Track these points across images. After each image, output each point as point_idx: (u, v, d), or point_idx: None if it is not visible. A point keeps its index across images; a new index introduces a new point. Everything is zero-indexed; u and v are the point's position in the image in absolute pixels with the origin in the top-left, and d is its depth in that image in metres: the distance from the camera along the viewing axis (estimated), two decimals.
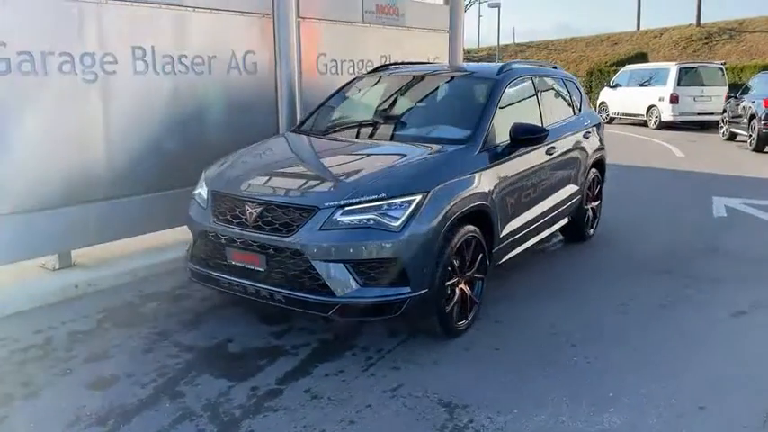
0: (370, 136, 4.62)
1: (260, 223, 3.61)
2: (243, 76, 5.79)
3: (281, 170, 4.00)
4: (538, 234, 5.11)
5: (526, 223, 4.73)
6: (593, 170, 6.11)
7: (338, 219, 3.47)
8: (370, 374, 3.50)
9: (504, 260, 4.58)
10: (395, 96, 5.18)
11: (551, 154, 5.01)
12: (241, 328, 4.05)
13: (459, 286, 3.90)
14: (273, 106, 6.01)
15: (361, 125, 4.94)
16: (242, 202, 3.74)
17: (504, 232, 4.40)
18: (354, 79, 5.45)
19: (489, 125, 4.32)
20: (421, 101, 5.05)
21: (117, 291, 4.69)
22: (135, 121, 5.06)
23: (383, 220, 3.47)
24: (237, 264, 3.73)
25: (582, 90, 6.29)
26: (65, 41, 4.55)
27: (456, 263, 3.84)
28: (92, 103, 4.77)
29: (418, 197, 3.57)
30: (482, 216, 4.07)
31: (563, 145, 5.29)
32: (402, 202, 3.53)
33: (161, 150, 5.24)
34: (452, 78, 4.98)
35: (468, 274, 3.97)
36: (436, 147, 4.18)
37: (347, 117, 5.15)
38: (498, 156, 4.29)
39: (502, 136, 4.42)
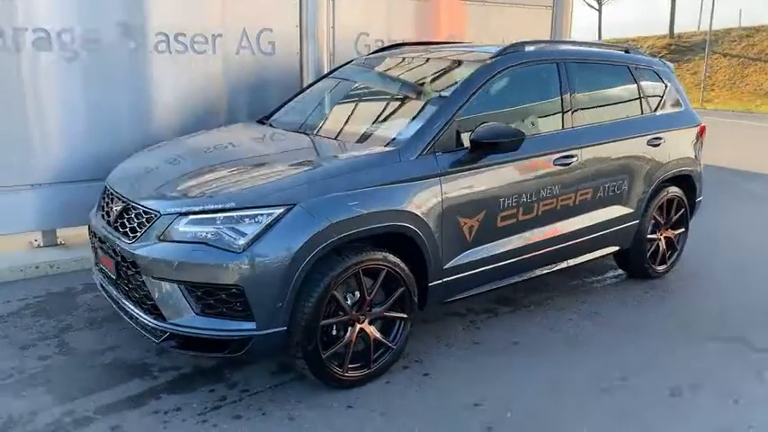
0: (318, 132, 3.84)
1: (117, 224, 3.14)
2: (258, 56, 5.34)
3: (170, 166, 3.46)
4: (547, 265, 3.98)
5: (508, 253, 3.66)
6: (671, 188, 4.66)
7: (179, 229, 2.85)
8: (202, 420, 2.87)
9: (463, 296, 3.59)
10: (370, 84, 4.35)
11: (566, 164, 3.82)
12: (136, 336, 3.63)
13: (358, 326, 3.08)
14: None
15: (321, 117, 4.20)
16: (111, 197, 3.30)
17: (457, 263, 3.42)
18: (344, 64, 4.70)
19: (445, 124, 3.35)
20: (392, 90, 4.15)
21: (75, 276, 4.57)
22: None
23: (226, 237, 2.78)
24: (102, 267, 3.32)
25: (673, 82, 4.81)
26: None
27: (346, 298, 3.03)
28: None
29: (278, 210, 2.81)
30: (405, 240, 3.17)
31: (599, 153, 4.03)
32: (254, 215, 2.81)
33: None
34: (447, 63, 4.00)
35: (373, 311, 3.13)
36: (365, 148, 3.35)
37: (313, 107, 4.41)
38: (455, 164, 3.32)
39: None
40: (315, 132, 3.82)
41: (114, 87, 4.78)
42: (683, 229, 4.92)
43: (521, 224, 3.69)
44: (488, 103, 3.64)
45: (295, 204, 2.82)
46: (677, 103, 4.79)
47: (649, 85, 4.65)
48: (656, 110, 4.58)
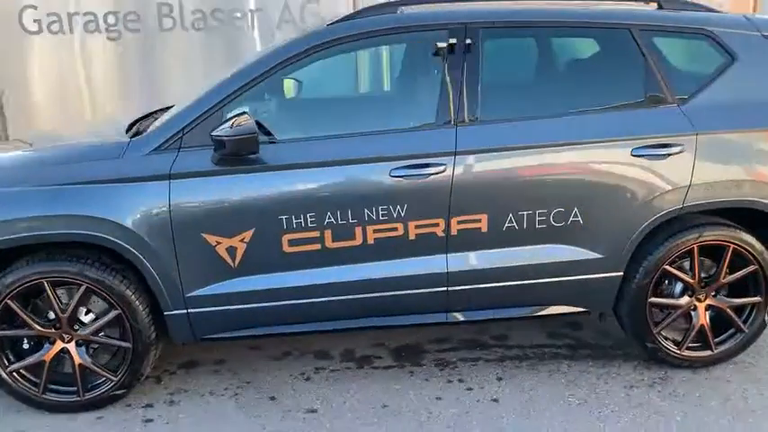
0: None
1: None
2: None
3: None
4: (397, 315, 2.81)
5: (316, 288, 2.69)
6: (712, 229, 2.81)
7: None
8: None
9: (240, 335, 2.78)
10: None
11: (419, 175, 2.60)
12: None
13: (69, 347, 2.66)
14: None
15: None
16: None
17: (213, 292, 2.65)
18: None
19: (202, 114, 2.60)
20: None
21: None
22: None
23: None
24: None
25: (751, 54, 2.83)
26: None
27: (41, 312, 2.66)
28: None
29: None
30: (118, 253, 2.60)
31: (498, 163, 2.66)
32: None
33: None
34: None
35: (79, 332, 2.66)
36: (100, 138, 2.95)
37: None
38: (200, 165, 2.57)
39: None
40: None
41: None
42: (756, 298, 2.93)
43: (335, 253, 2.67)
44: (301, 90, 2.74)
45: None
46: (745, 90, 2.83)
47: (681, 60, 2.86)
48: (686, 99, 2.78)
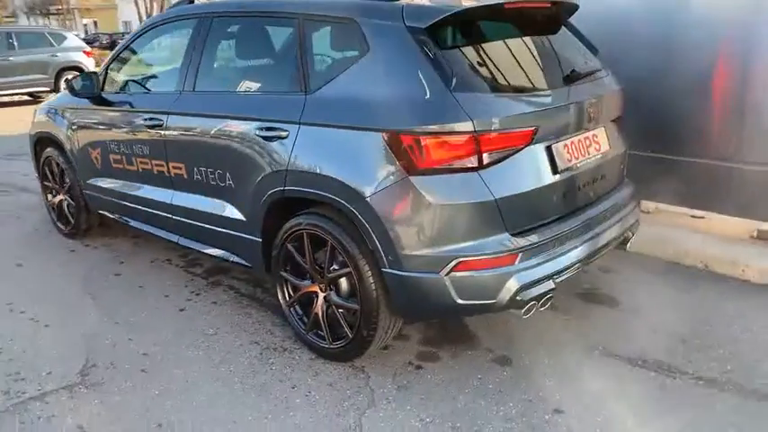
0: None
1: None
2: None
3: None
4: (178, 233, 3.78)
5: (128, 195, 3.97)
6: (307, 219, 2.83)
7: None
8: None
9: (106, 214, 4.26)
10: None
11: (152, 126, 3.55)
12: None
13: None
14: None
15: None
16: None
17: (93, 183, 4.24)
18: None
19: (103, 70, 4.08)
20: None
21: None
22: None
23: None
24: None
25: (385, 42, 2.57)
26: None
27: None
28: None
29: None
30: None
31: (185, 125, 3.40)
32: None
33: None
34: None
35: None
36: None
37: None
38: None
39: None
40: None
41: None
42: (354, 305, 2.77)
43: (133, 174, 3.87)
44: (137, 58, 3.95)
45: None
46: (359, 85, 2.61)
47: (332, 49, 2.83)
48: (315, 90, 2.80)
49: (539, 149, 2.65)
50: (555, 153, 2.70)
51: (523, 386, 2.75)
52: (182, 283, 3.89)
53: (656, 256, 4.05)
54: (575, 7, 3.22)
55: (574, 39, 3.20)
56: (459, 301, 2.53)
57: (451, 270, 2.50)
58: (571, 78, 2.89)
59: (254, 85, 3.20)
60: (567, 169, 2.76)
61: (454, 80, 2.47)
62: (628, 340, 3.08)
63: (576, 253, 2.76)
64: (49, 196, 4.86)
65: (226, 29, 3.43)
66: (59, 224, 4.81)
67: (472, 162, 2.47)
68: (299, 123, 2.80)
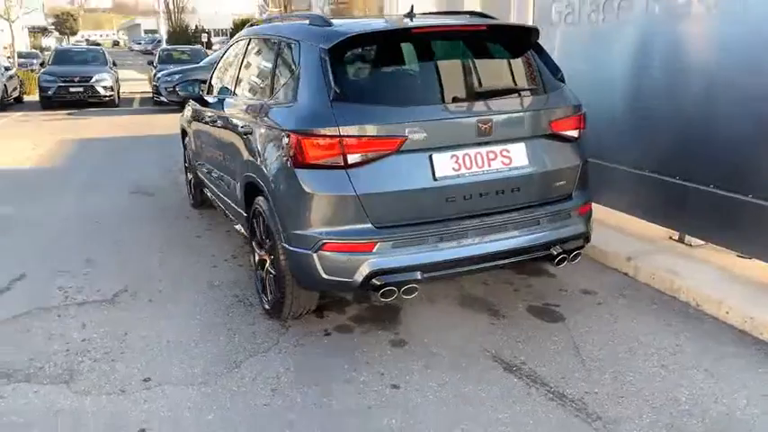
0: None
1: None
2: None
3: None
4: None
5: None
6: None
7: None
8: None
9: None
10: None
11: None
12: None
13: None
14: None
15: None
16: None
17: (196, 162, 5.44)
18: None
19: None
20: None
21: None
22: None
23: None
24: None
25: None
26: None
27: None
28: None
29: None
30: None
31: None
32: None
33: None
34: None
35: None
36: None
37: None
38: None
39: None
40: None
41: None
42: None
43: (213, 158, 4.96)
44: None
45: None
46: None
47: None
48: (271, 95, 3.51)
49: (418, 157, 3.00)
50: (436, 162, 3.01)
51: (400, 365, 3.10)
52: None
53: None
54: (521, 30, 3.40)
55: (517, 59, 3.38)
56: (324, 276, 3.03)
57: (319, 249, 3.01)
58: (479, 95, 3.14)
59: (247, 93, 4.04)
60: (451, 177, 3.04)
61: (336, 92, 2.97)
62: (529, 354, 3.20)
63: (451, 253, 3.04)
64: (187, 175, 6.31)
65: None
66: (190, 197, 6.19)
67: (339, 161, 2.95)
68: (258, 123, 3.54)
